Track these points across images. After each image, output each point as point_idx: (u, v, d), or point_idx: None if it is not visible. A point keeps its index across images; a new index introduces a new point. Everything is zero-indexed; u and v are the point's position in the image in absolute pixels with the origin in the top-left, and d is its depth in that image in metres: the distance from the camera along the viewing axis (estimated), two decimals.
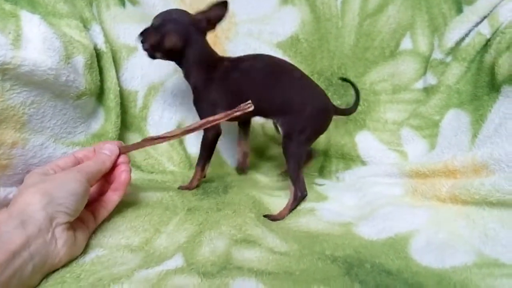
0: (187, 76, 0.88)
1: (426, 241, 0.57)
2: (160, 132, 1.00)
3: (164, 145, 1.02)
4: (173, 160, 1.01)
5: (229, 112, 0.65)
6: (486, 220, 0.58)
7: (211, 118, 0.65)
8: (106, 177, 0.62)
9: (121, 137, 0.93)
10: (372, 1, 1.18)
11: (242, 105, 0.65)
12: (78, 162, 0.60)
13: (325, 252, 0.54)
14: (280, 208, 0.75)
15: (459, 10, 1.11)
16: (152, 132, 1.01)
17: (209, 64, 0.85)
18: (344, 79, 0.84)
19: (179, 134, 0.66)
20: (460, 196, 0.65)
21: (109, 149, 0.62)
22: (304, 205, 0.78)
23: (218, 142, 1.07)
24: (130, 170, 0.63)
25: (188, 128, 0.65)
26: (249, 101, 0.65)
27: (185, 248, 0.54)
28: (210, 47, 0.88)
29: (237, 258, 0.52)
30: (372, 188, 0.86)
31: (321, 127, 0.86)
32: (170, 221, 0.63)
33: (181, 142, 1.04)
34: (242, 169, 1.00)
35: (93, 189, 0.58)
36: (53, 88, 0.71)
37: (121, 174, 0.61)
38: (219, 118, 0.65)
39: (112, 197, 0.60)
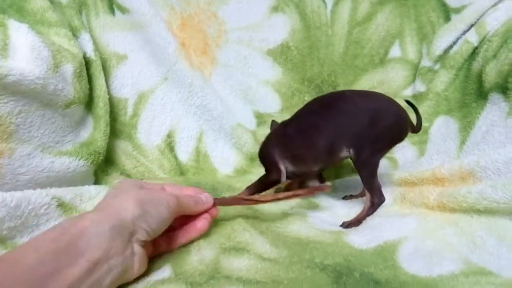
0: None
1: (414, 248, 0.57)
2: (150, 139, 1.02)
3: (155, 152, 1.02)
4: (164, 168, 1.01)
5: (312, 189, 0.74)
6: (474, 228, 0.58)
7: (298, 192, 0.71)
8: (186, 218, 0.58)
9: (110, 145, 0.92)
10: (361, 9, 1.19)
11: (322, 185, 0.75)
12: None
13: (314, 259, 0.54)
14: (271, 211, 0.76)
15: (447, 19, 1.12)
16: (143, 140, 1.01)
17: None
18: (408, 102, 0.79)
19: (267, 200, 0.69)
20: (448, 204, 0.65)
21: (206, 197, 0.60)
22: (295, 211, 0.78)
23: (210, 152, 1.08)
24: (209, 222, 0.60)
25: (276, 197, 0.70)
26: (329, 183, 0.75)
27: (173, 258, 0.54)
28: None
29: (225, 267, 0.52)
30: (360, 201, 0.86)
31: (396, 135, 0.77)
32: None
33: (172, 149, 1.04)
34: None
35: None
36: (41, 97, 0.71)
37: (200, 219, 0.58)
38: (303, 193, 0.72)
39: (179, 238, 0.57)
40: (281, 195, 0.70)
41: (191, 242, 0.57)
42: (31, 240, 0.41)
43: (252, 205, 0.70)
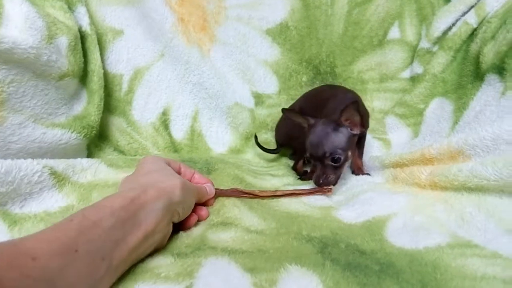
0: None
1: (402, 224, 0.57)
2: (145, 116, 1.02)
3: (149, 129, 1.02)
4: (158, 145, 1.01)
5: (312, 190, 0.74)
6: (463, 205, 0.58)
7: (297, 191, 0.73)
8: None
9: (104, 120, 0.92)
10: None
11: (324, 188, 0.74)
12: (180, 173, 0.61)
13: (302, 232, 0.54)
14: (263, 187, 0.76)
15: (447, 0, 1.11)
16: (137, 116, 1.01)
17: None
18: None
19: (266, 196, 0.70)
20: (440, 182, 0.65)
21: (210, 188, 0.63)
22: (287, 187, 0.79)
23: (205, 131, 1.08)
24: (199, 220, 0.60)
25: (276, 194, 0.71)
26: (332, 186, 0.75)
27: None
28: None
29: (212, 239, 0.52)
30: (354, 178, 0.86)
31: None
32: None
33: (167, 127, 1.04)
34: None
35: None
36: (34, 67, 0.70)
37: (193, 216, 0.58)
38: (304, 192, 0.73)
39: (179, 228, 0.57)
40: (279, 192, 0.71)
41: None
42: (102, 203, 0.41)
43: (249, 198, 0.69)
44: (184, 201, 0.50)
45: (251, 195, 0.69)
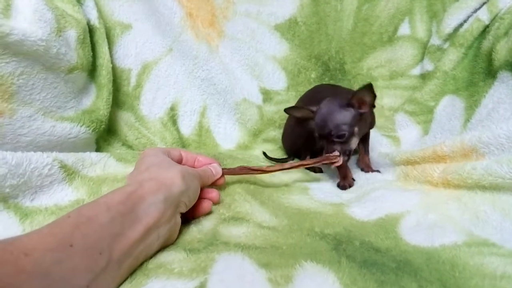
0: None
1: (416, 221, 0.56)
2: (153, 111, 1.01)
3: (157, 124, 1.01)
4: (166, 140, 1.00)
5: (319, 159, 0.74)
6: (477, 203, 0.57)
7: (305, 162, 0.74)
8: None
9: (112, 115, 0.92)
10: None
11: (331, 155, 0.74)
12: (181, 160, 0.62)
13: (314, 229, 0.53)
14: (273, 183, 0.76)
15: None
16: (145, 111, 1.01)
17: None
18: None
19: (274, 170, 0.70)
20: (453, 180, 0.64)
21: (216, 168, 0.63)
22: (298, 184, 0.78)
23: (213, 127, 1.08)
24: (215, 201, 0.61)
25: (283, 167, 0.71)
26: (337, 154, 0.74)
27: None
28: None
29: (224, 234, 0.51)
30: (364, 175, 0.86)
31: None
32: None
33: (175, 123, 1.04)
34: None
35: None
36: (44, 60, 0.70)
37: (205, 202, 0.58)
38: (311, 162, 0.74)
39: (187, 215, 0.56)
40: (287, 165, 0.71)
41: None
42: (100, 200, 0.42)
43: (259, 174, 0.70)
44: (188, 189, 0.50)
45: (259, 171, 0.69)
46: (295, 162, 0.72)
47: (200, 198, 0.57)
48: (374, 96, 0.73)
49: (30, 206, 0.54)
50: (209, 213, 0.58)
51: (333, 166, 0.75)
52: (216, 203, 0.60)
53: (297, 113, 0.85)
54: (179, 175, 0.49)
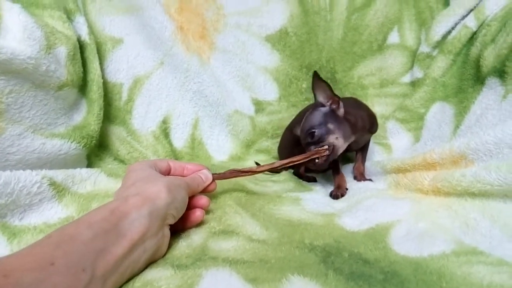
0: None
1: (406, 231, 0.56)
2: (145, 125, 1.01)
3: (149, 138, 1.01)
4: (159, 153, 1.00)
5: (308, 154, 0.74)
6: (467, 211, 0.58)
7: (294, 159, 0.72)
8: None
9: (104, 129, 0.92)
10: None
11: (320, 149, 0.74)
12: (169, 170, 0.61)
13: (304, 240, 0.53)
14: (265, 193, 0.76)
15: (446, 4, 1.11)
16: (137, 125, 1.01)
17: None
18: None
19: (263, 170, 0.70)
20: (443, 188, 0.64)
21: (205, 175, 0.63)
22: (290, 195, 0.78)
23: (206, 139, 1.08)
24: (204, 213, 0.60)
25: (273, 166, 0.70)
26: (326, 146, 0.74)
27: None
28: None
29: (213, 249, 0.51)
30: (356, 184, 0.86)
31: None
32: None
33: (167, 136, 1.04)
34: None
35: None
36: (33, 77, 0.70)
37: (196, 211, 0.58)
38: (300, 159, 0.73)
39: (179, 228, 0.56)
40: (277, 163, 0.71)
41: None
42: (82, 218, 0.42)
43: (250, 175, 0.70)
44: (174, 200, 0.50)
45: (250, 172, 0.69)
46: (285, 160, 0.72)
47: (192, 207, 0.57)
48: (329, 87, 0.74)
49: (18, 225, 0.54)
50: (199, 225, 0.58)
51: (321, 161, 0.75)
52: (206, 209, 0.60)
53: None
54: (164, 188, 0.49)
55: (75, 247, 0.37)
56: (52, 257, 0.35)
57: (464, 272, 0.42)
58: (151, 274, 0.44)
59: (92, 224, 0.40)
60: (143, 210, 0.45)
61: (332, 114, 0.76)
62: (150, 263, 0.47)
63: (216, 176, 0.66)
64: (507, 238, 0.49)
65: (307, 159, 0.74)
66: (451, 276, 0.42)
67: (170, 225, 0.53)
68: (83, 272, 0.36)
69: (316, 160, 0.75)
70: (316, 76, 0.74)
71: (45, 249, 0.36)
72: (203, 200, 0.60)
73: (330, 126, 0.76)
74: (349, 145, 0.84)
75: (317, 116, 0.76)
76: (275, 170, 0.99)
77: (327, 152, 0.74)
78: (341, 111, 0.78)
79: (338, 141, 0.77)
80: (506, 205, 0.54)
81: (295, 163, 0.73)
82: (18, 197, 0.55)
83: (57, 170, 0.64)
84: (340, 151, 0.78)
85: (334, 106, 0.77)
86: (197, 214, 0.57)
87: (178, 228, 0.56)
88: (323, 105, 0.78)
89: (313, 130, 0.75)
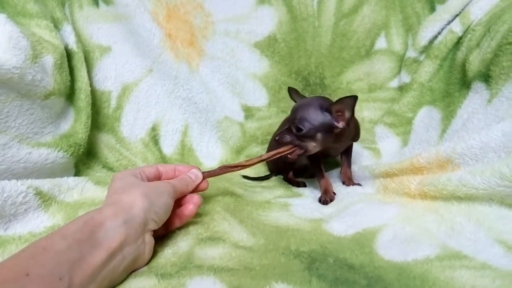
0: None
1: (393, 235, 0.56)
2: (134, 132, 1.01)
3: (138, 145, 1.01)
4: (148, 161, 1.00)
5: (281, 150, 0.76)
6: (454, 214, 0.58)
7: (280, 150, 0.75)
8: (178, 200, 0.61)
9: (92, 137, 0.92)
10: (347, 1, 1.19)
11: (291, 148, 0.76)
12: (159, 175, 0.62)
13: (290, 247, 0.53)
14: (254, 199, 0.77)
15: (432, 9, 1.12)
16: (126, 133, 1.00)
17: None
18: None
19: (253, 163, 0.71)
20: (429, 192, 0.64)
21: (195, 174, 0.64)
22: (278, 200, 0.78)
23: (196, 145, 1.08)
24: (197, 206, 0.62)
25: (261, 158, 0.73)
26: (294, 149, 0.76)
27: None
28: None
29: (199, 256, 0.51)
30: (345, 189, 0.86)
31: None
32: None
33: (157, 143, 1.04)
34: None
35: None
36: (19, 87, 0.70)
37: (189, 205, 0.60)
38: (286, 150, 0.75)
39: (175, 223, 0.59)
40: (265, 156, 0.72)
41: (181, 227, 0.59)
42: (56, 230, 0.43)
43: (240, 170, 0.70)
44: (152, 205, 0.50)
45: (240, 167, 0.70)
46: (272, 152, 0.74)
47: (183, 203, 0.59)
48: (353, 111, 0.73)
49: (3, 235, 0.54)
50: (187, 231, 0.59)
51: (290, 156, 0.76)
52: (198, 206, 0.61)
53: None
54: (139, 195, 0.50)
55: (49, 257, 0.38)
56: (27, 268, 0.35)
57: (447, 276, 0.43)
58: (135, 283, 0.44)
59: (65, 235, 0.41)
60: (118, 219, 0.45)
61: (328, 127, 0.74)
62: (132, 271, 0.47)
63: (207, 174, 0.66)
64: (491, 242, 0.49)
65: (292, 149, 0.75)
66: (434, 281, 0.42)
67: (167, 224, 0.56)
68: (60, 281, 0.36)
69: (289, 156, 0.76)
70: (352, 101, 0.71)
71: (20, 261, 0.36)
72: (194, 198, 0.61)
73: (318, 136, 0.75)
74: (328, 152, 0.85)
75: (316, 118, 0.74)
76: (265, 177, 1.00)
77: (298, 152, 0.76)
78: (338, 127, 0.75)
79: (314, 148, 0.77)
80: (491, 209, 0.55)
81: (281, 154, 0.74)
82: (2, 208, 0.55)
83: (44, 179, 0.64)
84: (310, 153, 0.78)
85: (338, 124, 0.74)
86: (190, 207, 0.59)
87: (175, 226, 0.59)
88: (328, 111, 0.74)
89: (302, 128, 0.74)
